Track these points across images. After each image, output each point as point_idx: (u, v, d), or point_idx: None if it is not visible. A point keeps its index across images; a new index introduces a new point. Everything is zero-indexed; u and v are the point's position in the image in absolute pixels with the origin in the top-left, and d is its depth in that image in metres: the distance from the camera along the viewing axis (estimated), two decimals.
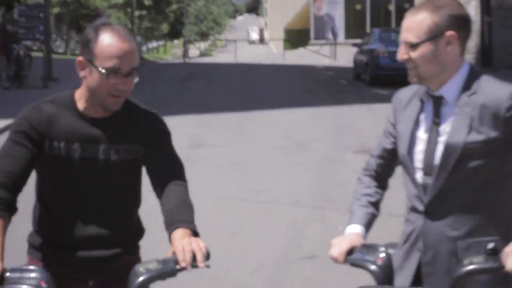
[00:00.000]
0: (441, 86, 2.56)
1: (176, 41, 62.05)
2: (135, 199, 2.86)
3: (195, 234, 2.48)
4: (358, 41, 26.07)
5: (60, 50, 38.08)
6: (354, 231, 2.70)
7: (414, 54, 2.52)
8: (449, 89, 2.55)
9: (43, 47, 19.28)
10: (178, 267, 2.26)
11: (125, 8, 43.92)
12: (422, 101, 2.64)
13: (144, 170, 2.82)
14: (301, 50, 47.02)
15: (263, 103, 16.52)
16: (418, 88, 2.67)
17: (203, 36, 73.56)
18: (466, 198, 2.53)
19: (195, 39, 64.67)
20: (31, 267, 2.32)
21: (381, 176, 2.87)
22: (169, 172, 2.71)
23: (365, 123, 13.45)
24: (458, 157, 2.48)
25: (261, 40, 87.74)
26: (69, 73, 18.71)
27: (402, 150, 2.64)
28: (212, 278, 5.48)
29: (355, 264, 2.54)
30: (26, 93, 15.91)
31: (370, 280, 2.52)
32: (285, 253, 6.29)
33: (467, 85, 2.54)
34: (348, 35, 49.10)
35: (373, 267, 2.46)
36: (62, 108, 2.69)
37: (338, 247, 2.59)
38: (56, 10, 38.26)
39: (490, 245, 2.26)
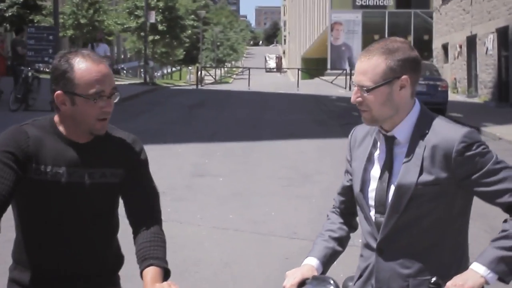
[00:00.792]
0: (394, 126, 2.60)
1: (191, 67, 62.34)
2: (116, 223, 2.86)
3: (166, 271, 2.58)
4: None
5: None
6: (308, 263, 2.74)
7: (369, 97, 2.55)
8: (401, 130, 2.59)
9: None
10: None
11: (139, 32, 44.18)
12: (375, 140, 2.68)
13: None
14: (316, 80, 47.08)
15: (271, 133, 16.45)
16: (371, 126, 2.70)
17: (219, 62, 73.77)
18: (417, 237, 2.57)
19: (211, 65, 64.85)
20: None
21: (345, 213, 2.91)
22: (145, 202, 2.75)
23: None
24: (409, 198, 2.52)
25: (279, 68, 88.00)
26: None
27: (356, 188, 2.70)
28: None
29: None
30: (34, 115, 15.71)
31: None
32: (277, 285, 6.13)
33: (418, 126, 2.58)
34: None
35: None
36: (45, 132, 2.67)
37: (291, 278, 2.65)
38: (69, 32, 38.63)
39: (433, 279, 2.36)
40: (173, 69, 62.72)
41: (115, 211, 2.84)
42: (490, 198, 2.51)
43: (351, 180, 2.78)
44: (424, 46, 49.29)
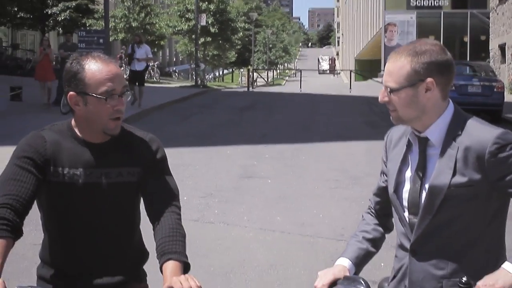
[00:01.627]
0: (426, 128, 2.60)
1: (242, 69, 62.50)
2: (137, 221, 2.91)
3: (186, 265, 2.61)
4: None
5: (125, 76, 38.89)
6: (340, 264, 2.73)
7: (394, 98, 2.58)
8: (434, 131, 2.59)
9: None
10: None
11: (190, 35, 44.43)
12: (409, 141, 2.69)
13: None
14: (370, 82, 46.75)
15: (321, 135, 16.33)
16: (408, 127, 2.70)
17: (272, 65, 73.80)
18: (451, 238, 2.57)
19: (263, 67, 64.93)
20: (36, 287, 2.42)
21: (380, 214, 2.91)
22: (164, 198, 2.78)
23: None
24: (442, 199, 2.52)
25: (332, 70, 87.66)
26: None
27: (390, 189, 2.71)
28: None
29: None
30: None
31: None
32: None
33: (451, 127, 2.58)
34: None
35: None
36: (62, 136, 2.74)
37: (322, 279, 2.64)
38: (121, 35, 39.10)
39: (464, 279, 2.35)
40: (225, 71, 62.97)
41: (136, 209, 2.88)
42: None
43: (386, 181, 2.79)
44: (481, 46, 48.49)
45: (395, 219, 2.74)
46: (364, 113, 21.73)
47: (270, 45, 75.73)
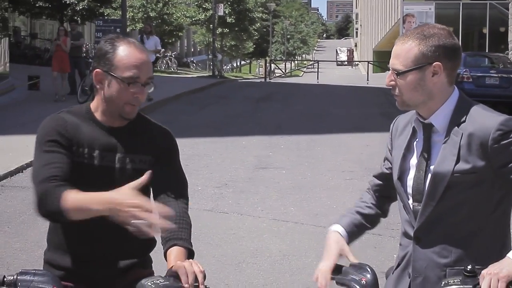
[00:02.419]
0: (431, 113, 2.59)
1: (260, 60, 62.35)
2: None
3: (190, 252, 2.62)
4: None
5: None
6: (336, 230, 2.74)
7: (400, 82, 2.56)
8: (438, 117, 2.58)
9: None
10: (181, 284, 2.39)
11: (207, 25, 44.40)
12: (414, 129, 2.67)
13: None
14: (387, 73, 46.42)
15: (337, 126, 16.28)
16: (413, 115, 2.70)
17: (289, 56, 73.62)
18: (455, 226, 2.56)
19: (281, 58, 64.81)
20: (42, 271, 2.39)
21: (378, 195, 2.89)
22: (172, 188, 2.81)
23: None
24: (446, 186, 2.52)
25: (350, 62, 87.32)
26: None
27: (394, 176, 2.70)
28: None
29: (340, 283, 2.59)
30: None
31: None
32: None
33: (456, 114, 2.57)
34: None
35: (357, 286, 2.51)
36: (81, 118, 2.77)
37: (323, 278, 2.61)
38: (139, 26, 39.15)
39: (468, 267, 2.33)
40: (243, 62, 62.88)
41: (147, 196, 2.86)
42: None
43: (389, 168, 2.79)
44: (500, 38, 48.02)
45: (399, 207, 2.73)
46: (381, 105, 21.63)
47: (288, 36, 75.53)
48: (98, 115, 2.79)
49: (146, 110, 16.01)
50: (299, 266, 6.52)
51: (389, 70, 2.64)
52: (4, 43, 22.03)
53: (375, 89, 29.09)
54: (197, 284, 2.41)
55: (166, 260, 2.59)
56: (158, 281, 2.36)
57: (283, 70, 51.13)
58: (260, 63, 57.50)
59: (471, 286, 2.30)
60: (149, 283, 2.34)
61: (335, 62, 77.21)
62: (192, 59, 56.97)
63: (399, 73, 2.54)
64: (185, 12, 42.73)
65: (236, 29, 46.60)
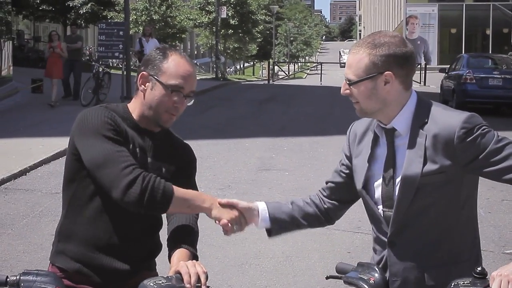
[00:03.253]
0: (390, 119, 2.61)
1: (263, 63, 62.34)
2: (161, 218, 2.95)
3: (194, 256, 2.65)
4: None
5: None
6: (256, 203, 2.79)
7: (354, 90, 2.59)
8: (400, 121, 2.59)
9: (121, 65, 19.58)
10: (184, 285, 2.40)
11: (211, 28, 44.42)
12: (376, 134, 2.68)
13: None
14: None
15: (340, 128, 16.13)
16: (371, 121, 2.72)
17: (293, 58, 73.59)
18: (428, 226, 2.58)
19: (284, 60, 64.78)
20: (45, 271, 2.40)
21: (329, 200, 2.89)
22: None
23: None
24: (416, 189, 2.53)
25: None
26: None
27: (358, 184, 2.69)
28: None
29: (348, 282, 2.59)
30: None
31: None
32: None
33: (417, 116, 2.58)
34: (442, 59, 48.23)
35: (365, 286, 2.51)
36: (120, 116, 2.78)
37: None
38: (142, 28, 39.14)
39: (478, 269, 2.32)
40: (246, 64, 62.86)
41: None
42: (497, 176, 2.49)
43: (345, 173, 2.81)
44: (503, 39, 48.10)
45: (368, 215, 2.73)
46: None
47: (291, 38, 75.50)
48: (135, 116, 2.81)
49: None
50: (302, 268, 6.53)
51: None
52: (8, 46, 22.05)
53: None
54: (199, 284, 2.42)
55: (170, 263, 2.62)
56: (160, 282, 2.36)
57: (287, 72, 51.09)
58: (263, 65, 57.44)
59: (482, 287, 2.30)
60: (151, 284, 2.35)
61: (339, 64, 77.06)
62: (195, 61, 56.97)
63: (351, 83, 2.58)
64: (188, 15, 42.72)
65: (239, 31, 46.58)
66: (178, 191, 2.60)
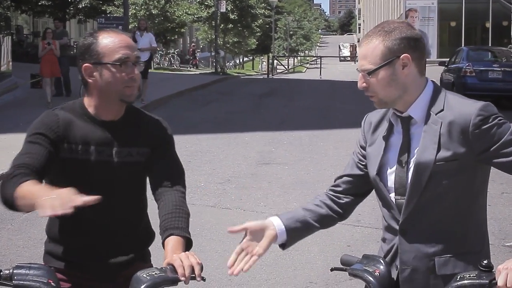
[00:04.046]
0: (407, 106, 2.60)
1: (263, 57, 62.29)
2: (144, 201, 2.95)
3: (188, 240, 2.62)
4: None
5: None
6: (270, 220, 2.70)
7: (372, 81, 2.56)
8: (416, 109, 2.59)
9: None
10: (178, 276, 2.39)
11: (210, 22, 44.37)
12: (391, 123, 2.68)
13: None
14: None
15: (340, 122, 16.27)
16: (386, 111, 2.71)
17: (292, 52, 73.53)
18: (440, 215, 2.57)
19: (284, 54, 64.74)
20: (38, 265, 2.39)
21: (343, 196, 2.82)
22: (169, 177, 2.80)
23: None
24: (429, 175, 2.52)
25: (353, 57, 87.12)
26: (151, 86, 19.04)
27: (372, 171, 2.68)
28: None
29: (353, 274, 2.59)
30: None
31: None
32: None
33: (433, 103, 2.59)
34: (442, 53, 48.11)
35: (370, 278, 2.50)
36: (75, 114, 2.78)
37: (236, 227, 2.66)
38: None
39: (485, 261, 2.32)
40: (245, 59, 62.79)
41: (144, 190, 2.93)
42: (509, 168, 2.49)
43: (360, 163, 2.78)
44: (503, 32, 47.98)
45: (379, 203, 2.72)
46: None
47: (291, 32, 75.46)
48: (91, 110, 2.80)
49: (149, 107, 16.02)
50: (301, 261, 6.54)
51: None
52: (7, 41, 22.02)
53: None
54: (194, 275, 2.40)
55: (164, 249, 2.59)
56: (154, 273, 2.35)
57: (286, 66, 51.04)
58: (262, 60, 57.41)
59: (487, 281, 2.28)
60: (144, 275, 2.34)
61: (338, 58, 77.05)
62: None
63: (370, 72, 2.55)
64: (187, 9, 42.67)
65: (239, 25, 46.55)
66: (20, 190, 2.48)
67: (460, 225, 2.58)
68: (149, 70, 19.54)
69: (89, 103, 2.80)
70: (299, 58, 68.66)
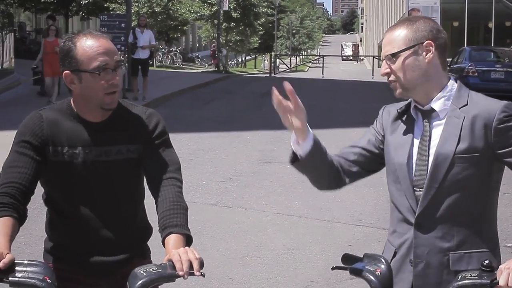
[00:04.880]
0: (430, 99, 2.62)
1: (265, 55, 62.27)
2: (140, 197, 2.92)
3: (188, 237, 2.58)
4: None
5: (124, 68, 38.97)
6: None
7: (396, 65, 2.61)
8: (439, 102, 2.62)
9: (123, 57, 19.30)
10: (176, 272, 2.35)
11: (212, 20, 44.36)
12: (412, 117, 2.69)
13: None
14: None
15: (342, 121, 16.27)
16: (406, 105, 2.73)
17: (295, 51, 73.55)
18: (456, 209, 2.57)
19: (286, 53, 64.74)
20: (35, 262, 2.37)
21: (349, 163, 2.84)
22: (164, 171, 2.76)
23: None
24: (448, 167, 2.54)
25: (355, 56, 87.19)
26: (153, 84, 19.06)
27: (400, 158, 2.66)
28: None
29: (354, 273, 2.57)
30: None
31: None
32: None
33: (457, 99, 2.61)
34: None
35: (371, 277, 2.49)
36: (61, 114, 2.76)
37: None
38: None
39: (486, 261, 2.31)
40: (248, 57, 62.79)
41: (138, 185, 2.90)
42: None
43: (376, 142, 2.77)
44: (506, 32, 47.93)
45: (396, 193, 2.69)
46: (386, 99, 21.50)
47: (294, 31, 75.48)
48: (78, 110, 2.77)
49: (151, 105, 16.02)
50: (303, 260, 6.54)
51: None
52: (10, 38, 22.03)
53: (380, 84, 29.06)
54: (193, 271, 2.37)
55: (164, 248, 2.57)
56: (151, 269, 2.33)
57: (288, 65, 51.03)
58: (265, 58, 57.40)
59: (488, 281, 2.28)
60: (141, 271, 2.32)
61: (341, 57, 77.09)
62: (197, 54, 56.92)
63: (393, 54, 2.60)
64: (190, 8, 42.68)
65: (241, 24, 46.54)
66: None
67: (475, 221, 2.59)
68: (151, 68, 19.46)
69: (75, 105, 2.79)
70: (301, 57, 68.61)
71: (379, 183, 9.47)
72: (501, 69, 20.04)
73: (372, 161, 2.80)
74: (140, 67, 17.96)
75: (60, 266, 2.82)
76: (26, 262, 2.37)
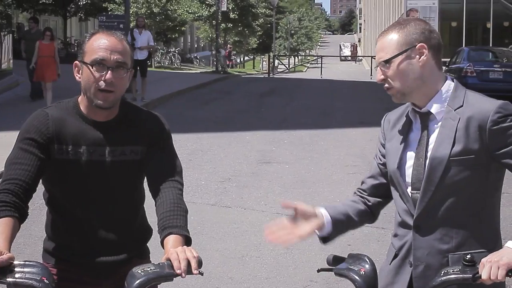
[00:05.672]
0: (427, 101, 2.61)
1: (263, 56, 62.27)
2: (140, 198, 2.93)
3: (187, 238, 2.58)
4: None
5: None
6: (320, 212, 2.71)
7: (390, 72, 2.59)
8: (435, 104, 2.61)
9: None
10: (174, 272, 2.35)
11: (210, 21, 44.36)
12: (409, 119, 2.69)
13: None
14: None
15: (340, 121, 16.27)
16: (405, 108, 2.74)
17: (293, 51, 73.54)
18: (454, 211, 2.57)
19: (285, 54, 64.73)
20: (33, 262, 2.37)
21: (371, 198, 2.84)
22: (166, 174, 2.77)
23: None
24: (444, 170, 2.54)
25: (353, 57, 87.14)
26: (152, 85, 19.04)
27: (392, 165, 2.68)
28: None
29: (339, 274, 2.58)
30: None
31: None
32: None
33: (453, 99, 2.59)
34: (443, 53, 48.07)
35: (355, 277, 2.50)
36: (67, 112, 2.76)
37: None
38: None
39: (468, 256, 2.33)
40: (246, 58, 62.78)
41: (139, 187, 2.91)
42: None
43: (384, 164, 2.78)
44: (504, 33, 47.92)
45: (395, 197, 2.72)
46: (384, 99, 21.53)
47: (292, 32, 75.46)
48: (83, 109, 2.78)
49: (149, 105, 16.02)
50: (302, 260, 6.55)
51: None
52: (8, 39, 22.02)
53: (379, 84, 28.88)
54: (190, 270, 2.36)
55: (163, 249, 2.57)
56: (149, 269, 2.33)
57: (287, 66, 51.04)
58: (263, 59, 57.41)
59: (470, 275, 2.29)
60: (139, 271, 2.32)
61: (339, 58, 77.02)
62: (195, 55, 56.92)
63: (387, 61, 2.59)
64: (188, 8, 42.69)
65: (239, 25, 46.54)
66: None
67: (474, 222, 2.58)
68: (149, 69, 19.42)
69: (81, 101, 2.79)
70: (299, 57, 68.59)
71: None
72: (500, 69, 20.05)
73: (385, 188, 2.80)
74: (138, 68, 17.86)
75: (60, 266, 2.82)
76: (23, 262, 2.36)
